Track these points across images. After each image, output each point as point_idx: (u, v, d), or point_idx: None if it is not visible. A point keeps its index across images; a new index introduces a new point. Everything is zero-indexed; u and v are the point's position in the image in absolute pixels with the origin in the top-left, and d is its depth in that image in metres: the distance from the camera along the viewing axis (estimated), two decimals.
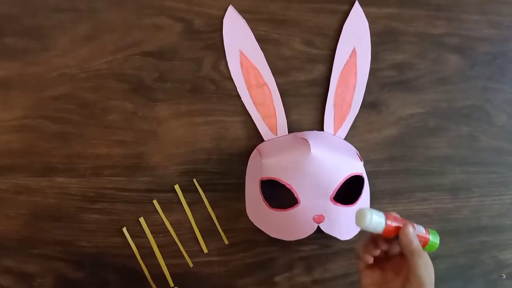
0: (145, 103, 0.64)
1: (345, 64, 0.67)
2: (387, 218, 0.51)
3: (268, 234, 0.65)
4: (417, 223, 0.65)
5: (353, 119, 0.67)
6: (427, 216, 0.69)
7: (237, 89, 0.65)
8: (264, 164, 0.61)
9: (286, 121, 0.66)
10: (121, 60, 0.64)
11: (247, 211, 0.66)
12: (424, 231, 0.53)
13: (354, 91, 0.67)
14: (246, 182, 0.66)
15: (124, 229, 0.65)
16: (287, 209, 0.61)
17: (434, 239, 0.54)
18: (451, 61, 0.69)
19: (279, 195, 0.62)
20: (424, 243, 0.53)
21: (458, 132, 0.70)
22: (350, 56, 0.67)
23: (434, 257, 0.66)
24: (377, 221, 0.50)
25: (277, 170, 0.60)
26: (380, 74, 0.68)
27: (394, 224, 0.51)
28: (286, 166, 0.60)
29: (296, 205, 0.61)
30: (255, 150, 0.65)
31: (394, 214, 0.53)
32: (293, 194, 0.60)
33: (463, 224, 0.70)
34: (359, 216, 0.50)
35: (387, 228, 0.51)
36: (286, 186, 0.60)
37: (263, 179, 0.61)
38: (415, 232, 0.51)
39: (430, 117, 0.69)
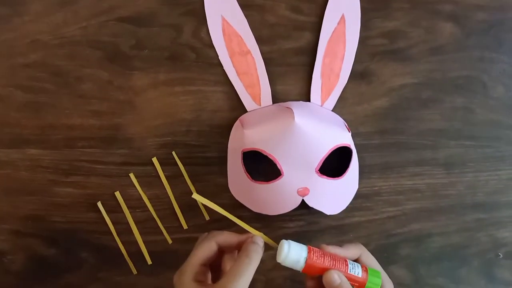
0: (122, 71, 0.62)
1: (333, 32, 0.64)
2: (310, 256, 0.45)
3: (251, 209, 0.62)
4: (408, 199, 0.65)
5: (341, 90, 0.64)
6: (419, 192, 0.66)
7: (219, 57, 0.62)
8: (246, 134, 0.58)
9: (270, 91, 0.63)
10: (96, 26, 0.62)
11: (229, 185, 0.63)
12: (360, 273, 0.46)
13: (343, 61, 0.64)
14: (228, 155, 0.63)
15: (99, 204, 0.62)
16: (270, 182, 0.59)
17: (373, 281, 0.46)
18: (445, 30, 0.66)
19: (262, 168, 0.59)
20: (359, 287, 0.46)
21: (452, 104, 0.66)
22: (338, 24, 0.64)
23: (427, 235, 0.66)
24: (294, 258, 0.45)
25: (260, 140, 0.58)
26: (370, 43, 0.65)
27: (318, 264, 0.45)
28: (268, 136, 0.57)
29: (279, 177, 0.58)
30: (237, 121, 0.62)
31: (329, 249, 0.47)
32: (276, 166, 0.58)
33: (457, 201, 0.67)
34: (278, 249, 0.46)
35: (308, 268, 0.45)
36: (269, 157, 0.57)
37: (245, 151, 0.59)
38: (342, 277, 0.45)
39: (423, 88, 0.66)
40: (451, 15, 0.66)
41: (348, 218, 0.65)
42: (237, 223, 0.48)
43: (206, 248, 0.45)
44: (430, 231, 0.66)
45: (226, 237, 0.46)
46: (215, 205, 0.47)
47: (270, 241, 0.48)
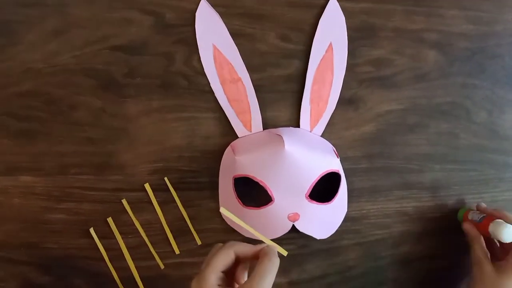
0: (115, 99, 0.62)
1: (322, 60, 0.65)
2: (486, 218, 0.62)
3: (242, 234, 0.63)
4: (395, 222, 0.67)
5: (329, 116, 0.66)
6: (407, 214, 0.68)
7: (211, 85, 0.63)
8: (238, 161, 0.59)
9: (261, 117, 0.64)
10: (89, 54, 0.62)
11: (220, 210, 0.62)
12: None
13: (331, 87, 0.65)
14: (219, 180, 0.64)
15: (92, 230, 0.62)
16: (260, 207, 0.60)
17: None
18: (430, 57, 0.68)
19: (253, 193, 0.60)
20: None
21: (437, 129, 0.68)
22: (326, 52, 0.65)
23: (413, 258, 0.67)
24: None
25: (251, 167, 0.58)
26: (357, 70, 0.66)
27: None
28: (259, 163, 0.58)
29: (270, 203, 0.59)
30: (228, 147, 0.63)
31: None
32: (267, 192, 0.59)
33: (443, 223, 0.68)
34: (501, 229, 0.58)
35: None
36: (260, 183, 0.58)
37: (237, 177, 0.60)
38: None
39: (409, 114, 0.68)
40: (435, 43, 0.68)
41: (337, 241, 0.66)
42: (255, 234, 0.49)
43: (226, 256, 0.46)
44: (418, 253, 0.68)
45: (243, 248, 0.47)
46: (241, 220, 0.50)
47: (282, 250, 0.49)
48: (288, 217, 0.60)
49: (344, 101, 0.66)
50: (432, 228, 0.68)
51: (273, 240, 0.59)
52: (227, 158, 0.63)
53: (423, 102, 0.68)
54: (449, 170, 0.68)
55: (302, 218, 0.60)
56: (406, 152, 0.68)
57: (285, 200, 0.59)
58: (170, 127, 0.63)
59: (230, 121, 0.64)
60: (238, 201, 0.60)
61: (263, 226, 0.60)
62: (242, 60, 0.64)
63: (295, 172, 0.58)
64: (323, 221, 0.62)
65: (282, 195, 0.59)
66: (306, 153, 0.58)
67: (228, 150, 0.63)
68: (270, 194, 0.59)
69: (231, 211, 0.61)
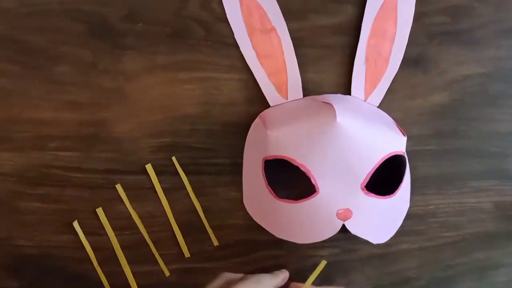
0: (109, 50, 0.54)
1: (382, 6, 0.55)
2: None
3: (273, 233, 0.55)
4: (470, 221, 0.59)
5: (390, 81, 0.56)
6: (485, 212, 0.58)
7: (235, 36, 0.55)
8: (270, 137, 0.50)
9: (300, 80, 0.55)
10: None
11: (244, 201, 0.56)
12: None
13: (393, 43, 0.56)
14: (244, 162, 0.56)
15: (76, 224, 0.54)
16: (300, 201, 0.51)
17: None
18: None
19: (290, 182, 0.52)
20: None
21: None
22: None
23: (491, 267, 0.60)
24: None
25: (288, 145, 0.50)
26: (427, 21, 0.57)
27: None
28: (300, 140, 0.50)
29: (313, 194, 0.50)
30: (257, 118, 0.55)
31: None
32: (310, 180, 0.50)
33: None
34: None
35: None
36: (300, 168, 0.49)
37: (268, 159, 0.51)
38: None
39: (493, 81, 0.58)
40: None
41: (395, 244, 0.57)
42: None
43: None
44: (497, 261, 0.60)
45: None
46: None
47: None
48: (337, 214, 0.50)
49: (409, 62, 0.57)
50: None
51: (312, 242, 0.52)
52: (255, 133, 0.55)
53: (510, 66, 0.58)
54: None
55: (356, 216, 0.50)
56: (487, 130, 0.59)
57: (333, 192, 0.50)
58: (180, 90, 0.55)
59: (260, 84, 0.55)
60: (270, 191, 0.52)
61: (303, 225, 0.52)
62: (277, 4, 0.55)
63: (349, 154, 0.49)
64: (382, 220, 0.53)
65: (329, 184, 0.50)
66: (364, 129, 0.49)
67: (256, 122, 0.55)
68: (313, 182, 0.50)
69: (259, 203, 0.54)
